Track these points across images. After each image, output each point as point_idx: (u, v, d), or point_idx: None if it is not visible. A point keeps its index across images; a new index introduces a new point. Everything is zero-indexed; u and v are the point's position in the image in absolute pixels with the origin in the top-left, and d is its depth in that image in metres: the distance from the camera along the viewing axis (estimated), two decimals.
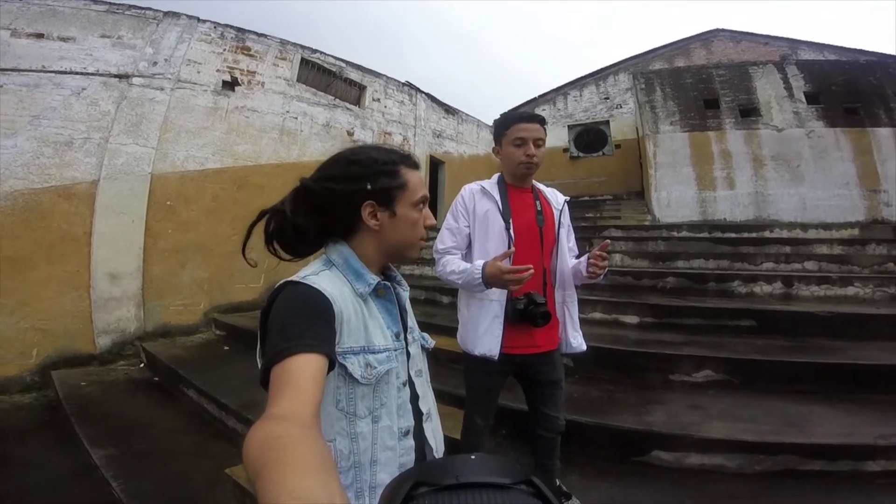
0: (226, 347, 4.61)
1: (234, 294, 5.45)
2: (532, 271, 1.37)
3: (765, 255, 4.91)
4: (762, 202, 6.85)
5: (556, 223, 1.72)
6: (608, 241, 1.60)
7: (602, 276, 1.59)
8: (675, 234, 6.19)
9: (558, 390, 1.72)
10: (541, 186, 1.80)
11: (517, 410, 2.12)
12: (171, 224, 5.05)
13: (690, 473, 2.09)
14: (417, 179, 0.91)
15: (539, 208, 1.70)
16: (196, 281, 5.20)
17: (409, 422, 0.87)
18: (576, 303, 1.76)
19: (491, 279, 1.43)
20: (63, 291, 4.35)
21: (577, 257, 1.82)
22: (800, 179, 6.77)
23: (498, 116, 1.81)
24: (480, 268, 1.46)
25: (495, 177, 1.75)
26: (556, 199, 1.79)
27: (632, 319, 3.75)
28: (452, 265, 1.59)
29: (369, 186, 0.85)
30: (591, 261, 1.56)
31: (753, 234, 5.90)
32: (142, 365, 4.47)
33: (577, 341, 1.73)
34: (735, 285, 4.22)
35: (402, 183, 0.88)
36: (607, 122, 10.81)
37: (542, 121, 1.68)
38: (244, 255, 0.86)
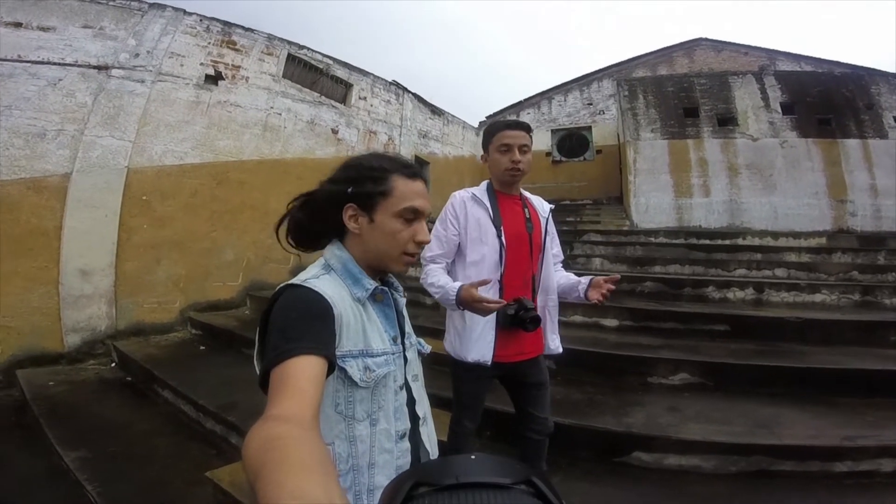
0: (202, 347, 4.50)
1: (212, 292, 5.32)
2: (501, 305, 1.44)
3: (737, 262, 5.09)
4: (736, 210, 7.08)
5: (543, 230, 1.76)
6: (618, 275, 1.65)
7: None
8: (652, 239, 6.36)
9: (545, 391, 1.76)
10: (527, 194, 1.84)
11: (501, 412, 2.15)
12: (146, 219, 4.89)
13: (669, 474, 2.15)
14: (409, 190, 0.87)
15: (527, 216, 1.74)
16: (172, 278, 5.05)
17: (406, 425, 0.88)
18: (557, 307, 1.80)
19: (463, 301, 1.49)
20: (30, 287, 4.17)
21: (564, 263, 1.86)
22: (772, 188, 7.03)
23: (484, 120, 1.84)
24: (455, 290, 1.51)
25: (484, 184, 1.78)
26: (543, 207, 1.84)
27: (611, 323, 3.83)
28: (433, 277, 1.61)
29: (350, 189, 0.87)
30: (601, 291, 1.59)
31: (727, 242, 6.10)
32: (113, 364, 4.32)
33: (554, 344, 1.78)
34: (709, 291, 4.36)
35: (385, 190, 0.86)
36: (589, 128, 11.00)
37: (527, 128, 1.73)
38: (277, 235, 0.95)
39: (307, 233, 0.94)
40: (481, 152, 1.82)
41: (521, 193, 1.80)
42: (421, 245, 0.90)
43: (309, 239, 0.95)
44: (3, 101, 4.12)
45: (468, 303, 1.46)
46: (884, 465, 2.04)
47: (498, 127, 1.73)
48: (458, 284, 1.52)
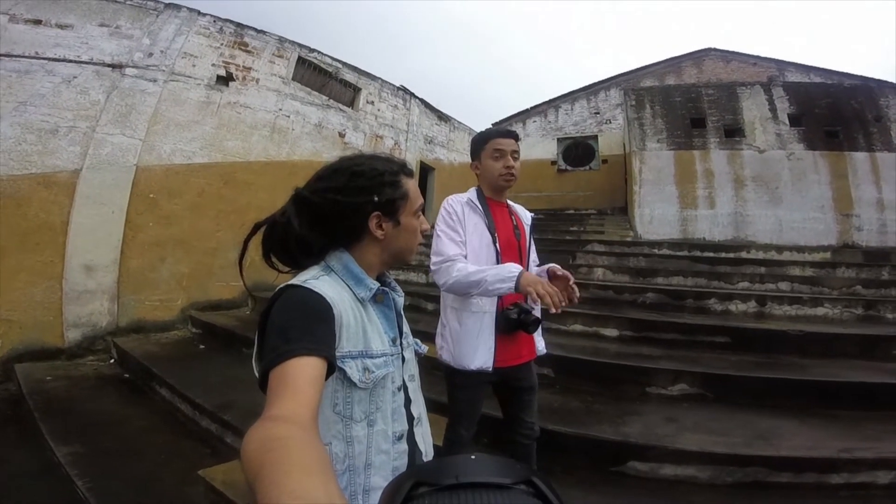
0: (202, 346, 4.51)
1: (214, 291, 5.35)
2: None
3: (741, 275, 5.05)
4: (741, 222, 7.03)
5: (528, 237, 1.79)
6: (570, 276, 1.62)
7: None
8: (656, 251, 6.33)
9: (534, 396, 1.78)
10: (511, 203, 1.86)
11: (498, 418, 2.14)
12: (152, 217, 4.95)
13: (664, 484, 2.13)
14: (415, 188, 0.94)
15: (515, 223, 1.78)
16: (175, 276, 5.09)
17: (404, 426, 0.88)
18: (541, 311, 1.78)
19: (527, 281, 1.40)
20: (34, 282, 4.21)
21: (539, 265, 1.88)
22: (778, 201, 6.96)
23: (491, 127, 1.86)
24: (518, 269, 1.44)
25: (474, 191, 1.77)
26: (526, 215, 1.86)
27: (612, 332, 3.81)
28: (472, 267, 1.55)
29: (376, 199, 0.86)
30: (566, 293, 1.54)
31: (731, 254, 6.04)
32: (112, 361, 4.35)
33: (540, 345, 1.79)
34: (711, 303, 4.33)
35: (404, 193, 0.91)
36: (596, 137, 11.02)
37: (516, 136, 1.77)
38: (241, 270, 0.89)
39: (308, 249, 0.87)
40: None
41: (507, 202, 1.82)
42: (424, 233, 0.96)
43: (310, 256, 0.88)
44: (20, 96, 4.21)
45: (535, 284, 1.37)
46: (880, 476, 2.01)
47: (489, 135, 1.76)
48: (518, 266, 1.46)
